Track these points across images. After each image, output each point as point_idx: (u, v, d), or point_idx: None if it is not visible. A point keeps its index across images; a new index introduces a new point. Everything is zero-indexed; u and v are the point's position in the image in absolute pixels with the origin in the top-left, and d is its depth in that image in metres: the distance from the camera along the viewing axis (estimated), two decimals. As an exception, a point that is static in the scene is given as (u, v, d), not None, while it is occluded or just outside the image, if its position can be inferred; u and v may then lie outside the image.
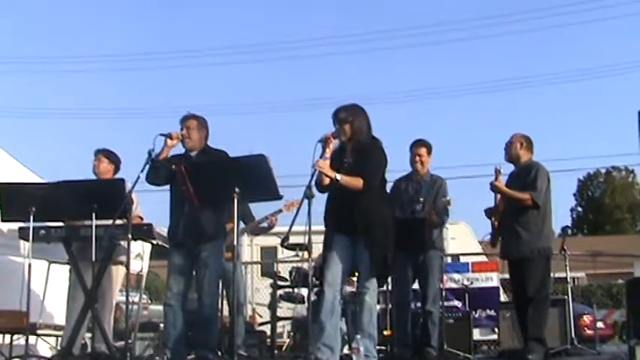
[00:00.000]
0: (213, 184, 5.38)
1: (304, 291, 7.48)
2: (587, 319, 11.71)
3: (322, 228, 5.42)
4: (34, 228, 5.82)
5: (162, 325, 6.70)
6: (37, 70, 58.46)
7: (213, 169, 5.56)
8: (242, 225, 6.80)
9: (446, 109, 54.34)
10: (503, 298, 10.53)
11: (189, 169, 5.43)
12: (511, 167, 6.49)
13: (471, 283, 9.62)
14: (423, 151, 6.74)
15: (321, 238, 5.30)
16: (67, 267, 6.51)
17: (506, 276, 6.94)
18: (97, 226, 5.71)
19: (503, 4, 54.10)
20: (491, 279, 10.39)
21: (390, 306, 6.58)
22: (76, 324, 5.98)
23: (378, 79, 53.68)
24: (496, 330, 8.45)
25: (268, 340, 7.80)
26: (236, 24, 58.77)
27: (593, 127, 59.79)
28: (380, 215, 5.16)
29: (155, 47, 55.67)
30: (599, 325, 12.00)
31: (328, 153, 5.17)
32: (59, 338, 6.95)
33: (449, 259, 9.95)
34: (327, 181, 5.19)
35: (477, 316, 9.35)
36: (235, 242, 5.65)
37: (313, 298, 6.02)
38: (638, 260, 21.96)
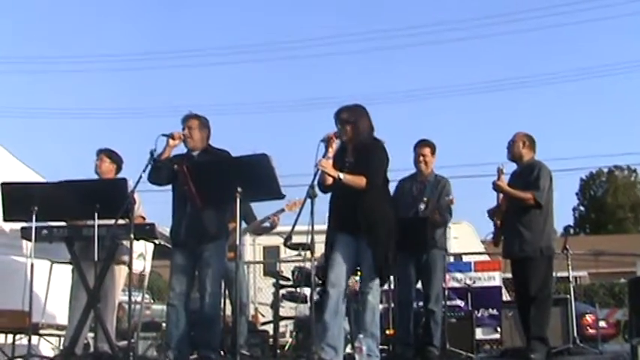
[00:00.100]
0: (215, 184, 5.38)
1: (307, 290, 7.47)
2: (589, 318, 11.67)
3: (325, 227, 5.42)
4: (36, 228, 5.82)
5: (164, 324, 6.71)
6: (37, 70, 58.79)
7: (215, 168, 5.56)
8: (244, 225, 6.80)
9: (446, 108, 54.42)
10: (505, 297, 10.53)
11: (191, 169, 5.43)
12: (513, 166, 6.48)
13: (474, 282, 9.60)
14: (427, 151, 6.74)
15: (324, 237, 5.30)
16: (70, 267, 6.52)
17: (509, 275, 6.94)
18: (99, 225, 5.71)
19: (502, 4, 54.13)
20: (494, 278, 10.37)
21: (392, 305, 6.58)
22: (78, 324, 5.99)
23: (379, 79, 53.82)
24: (498, 329, 8.43)
25: (271, 339, 7.79)
26: (236, 24, 58.92)
27: (596, 126, 59.91)
28: (382, 214, 5.16)
29: (155, 47, 55.83)
30: (602, 324, 11.97)
31: (331, 152, 5.17)
32: (62, 338, 6.96)
33: (451, 259, 9.95)
34: (329, 180, 5.19)
35: (479, 315, 9.33)
36: (238, 242, 5.66)
37: (316, 297, 6.01)
38: (641, 259, 21.93)
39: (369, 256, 5.09)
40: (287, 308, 8.72)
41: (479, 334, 8.89)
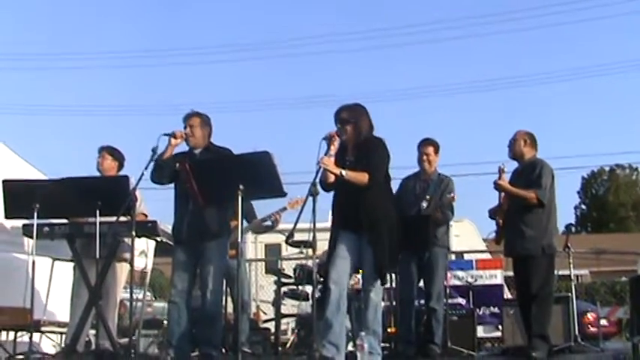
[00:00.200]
0: (217, 182, 5.38)
1: (308, 288, 7.48)
2: (590, 316, 11.68)
3: (327, 225, 5.42)
4: (38, 225, 5.84)
5: (166, 322, 6.71)
6: (38, 67, 58.83)
7: (217, 166, 5.56)
8: (245, 223, 6.79)
9: (445, 106, 54.41)
10: (507, 295, 10.53)
11: (193, 167, 5.43)
12: (514, 164, 6.47)
13: (475, 280, 9.62)
14: (431, 150, 6.75)
15: (326, 235, 5.30)
16: (71, 264, 6.53)
17: (510, 273, 6.94)
18: (101, 223, 5.72)
19: (501, 3, 54.15)
20: (495, 276, 10.39)
21: (394, 303, 6.58)
22: (80, 321, 5.99)
23: (377, 77, 53.79)
24: (500, 327, 8.43)
25: (272, 337, 7.79)
26: (236, 22, 58.88)
27: (597, 125, 59.87)
28: (385, 212, 5.16)
29: (156, 44, 55.72)
30: (603, 322, 11.98)
31: (333, 150, 5.17)
32: (63, 335, 6.96)
33: (453, 257, 9.96)
34: (331, 178, 5.18)
35: (480, 313, 9.34)
36: (239, 240, 5.66)
37: (317, 295, 6.01)
38: (642, 258, 21.90)
39: (371, 253, 5.08)
40: (289, 306, 8.71)
41: (480, 332, 8.90)
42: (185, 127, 5.80)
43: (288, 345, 7.94)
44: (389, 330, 6.57)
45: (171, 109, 37.52)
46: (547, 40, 55.84)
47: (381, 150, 5.29)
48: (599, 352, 7.14)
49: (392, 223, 5.17)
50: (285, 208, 7.20)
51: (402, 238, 5.24)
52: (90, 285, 5.94)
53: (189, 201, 5.58)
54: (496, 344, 9.40)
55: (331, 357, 4.98)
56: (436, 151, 6.78)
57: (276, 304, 7.91)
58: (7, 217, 6.14)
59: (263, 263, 11.95)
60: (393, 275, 6.31)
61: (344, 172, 5.10)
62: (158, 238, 6.36)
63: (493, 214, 6.50)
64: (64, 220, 6.23)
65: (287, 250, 10.73)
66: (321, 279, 5.90)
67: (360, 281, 5.70)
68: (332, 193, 5.34)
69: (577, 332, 7.17)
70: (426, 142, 6.78)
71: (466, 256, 11.21)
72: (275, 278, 8.07)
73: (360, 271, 5.37)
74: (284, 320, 8.53)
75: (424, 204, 6.59)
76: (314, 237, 5.06)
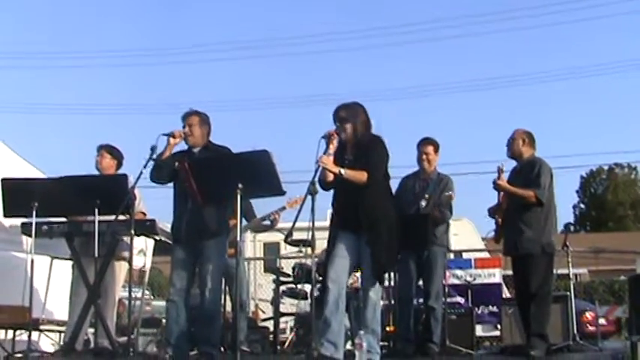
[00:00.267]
0: (216, 181, 5.38)
1: (307, 287, 7.48)
2: (589, 315, 11.67)
3: (326, 224, 5.42)
4: (36, 223, 5.83)
5: (164, 320, 6.71)
6: (38, 66, 58.69)
7: (216, 165, 5.56)
8: (244, 222, 6.79)
9: (444, 105, 54.47)
10: (505, 294, 10.53)
11: (192, 166, 5.43)
12: (513, 164, 6.47)
13: (474, 279, 9.62)
14: (430, 149, 6.76)
15: (325, 234, 5.30)
16: (70, 262, 6.52)
17: (509, 272, 6.94)
18: (99, 221, 5.72)
19: (499, 2, 54.15)
20: (494, 275, 10.40)
21: (393, 302, 6.58)
22: (78, 319, 5.99)
23: (377, 76, 53.77)
24: (498, 326, 8.44)
25: (271, 335, 7.79)
26: (236, 20, 58.81)
27: (596, 124, 59.87)
28: (384, 211, 5.15)
29: (156, 43, 55.64)
30: (601, 321, 11.98)
31: (332, 149, 5.16)
32: (62, 334, 6.97)
33: (452, 256, 9.95)
34: (330, 177, 5.18)
35: (479, 312, 9.35)
36: (238, 238, 5.66)
37: (316, 294, 6.01)
38: (641, 257, 21.92)
39: (370, 253, 5.08)
40: (287, 304, 8.72)
41: (479, 330, 8.91)
42: (184, 126, 5.79)
43: (286, 344, 7.95)
44: (388, 329, 6.58)
45: (171, 108, 37.57)
46: (546, 39, 55.89)
47: (380, 149, 5.28)
48: (597, 351, 7.13)
49: (391, 222, 5.17)
50: (284, 207, 7.20)
51: (400, 237, 5.24)
52: (89, 283, 5.94)
53: (188, 200, 5.58)
54: (495, 343, 9.42)
55: (329, 355, 4.98)
56: (436, 150, 6.79)
57: (275, 302, 7.91)
58: (5, 215, 6.14)
59: (262, 262, 11.94)
60: (392, 274, 6.31)
61: (343, 171, 5.10)
62: (157, 237, 6.37)
63: (492, 213, 6.51)
64: (63, 219, 6.23)
65: (286, 249, 10.73)
66: (320, 278, 5.90)
67: (359, 280, 5.71)
68: (331, 192, 5.34)
69: (575, 331, 7.18)
70: (425, 142, 6.78)
71: (465, 255, 11.22)
72: (274, 277, 8.07)
73: (359, 270, 5.38)
74: (283, 319, 8.53)
75: (423, 203, 6.59)
76: (313, 236, 5.06)
